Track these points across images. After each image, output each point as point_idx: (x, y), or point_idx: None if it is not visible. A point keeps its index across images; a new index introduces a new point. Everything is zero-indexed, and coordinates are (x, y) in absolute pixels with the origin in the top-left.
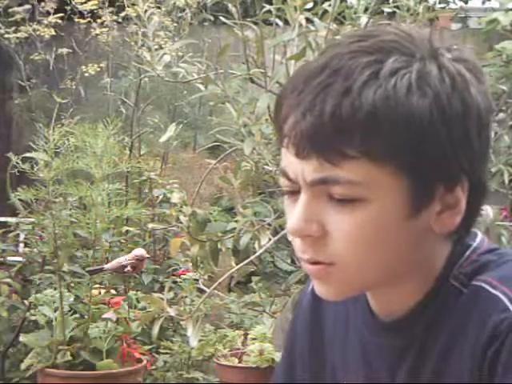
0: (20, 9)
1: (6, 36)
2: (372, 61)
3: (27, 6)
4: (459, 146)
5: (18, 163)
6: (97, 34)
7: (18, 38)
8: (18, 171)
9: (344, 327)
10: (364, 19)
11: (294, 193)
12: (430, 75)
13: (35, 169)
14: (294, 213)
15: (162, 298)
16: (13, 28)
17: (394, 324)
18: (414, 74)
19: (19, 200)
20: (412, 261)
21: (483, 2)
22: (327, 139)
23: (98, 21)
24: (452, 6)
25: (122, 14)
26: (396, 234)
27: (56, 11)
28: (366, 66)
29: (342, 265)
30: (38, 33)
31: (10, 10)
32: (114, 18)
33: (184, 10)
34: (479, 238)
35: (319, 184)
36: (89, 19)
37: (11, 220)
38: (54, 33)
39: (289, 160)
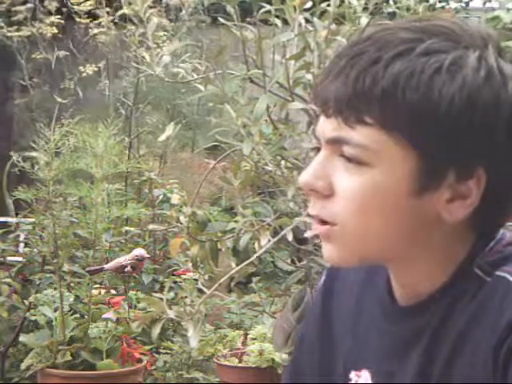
0: (22, 8)
1: (9, 35)
2: (412, 38)
3: (29, 5)
4: (478, 139)
5: (18, 162)
6: (95, 35)
7: (20, 36)
8: (19, 171)
9: (356, 320)
10: (364, 19)
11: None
12: (466, 63)
13: (35, 168)
14: (309, 167)
15: (162, 299)
16: (15, 27)
17: (411, 308)
18: (450, 58)
19: (20, 200)
20: (423, 243)
21: (484, 3)
22: (348, 102)
23: (95, 21)
24: (452, 5)
25: (119, 14)
26: (397, 207)
27: (56, 12)
28: (404, 42)
29: (342, 226)
30: (40, 31)
31: (13, 9)
32: (111, 18)
33: (181, 11)
34: (501, 230)
35: (334, 143)
36: (86, 20)
37: (11, 220)
38: (56, 31)
39: (320, 119)
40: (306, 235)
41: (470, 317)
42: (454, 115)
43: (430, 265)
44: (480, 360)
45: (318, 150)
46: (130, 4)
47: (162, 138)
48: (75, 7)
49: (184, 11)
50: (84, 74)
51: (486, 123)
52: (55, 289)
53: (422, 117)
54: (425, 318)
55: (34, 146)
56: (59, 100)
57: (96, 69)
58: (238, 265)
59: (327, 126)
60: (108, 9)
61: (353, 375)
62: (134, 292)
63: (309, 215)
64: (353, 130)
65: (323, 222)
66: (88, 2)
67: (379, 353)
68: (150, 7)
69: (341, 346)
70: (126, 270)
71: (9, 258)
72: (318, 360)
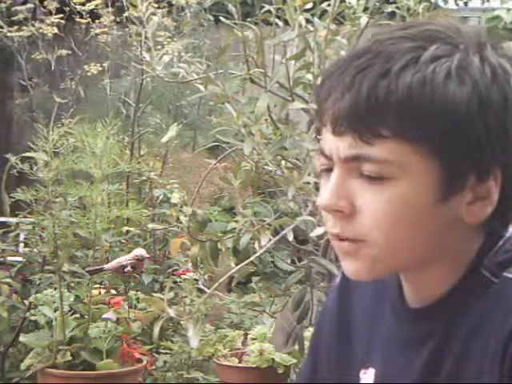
0: (22, 8)
1: (9, 35)
2: (414, 46)
3: (29, 5)
4: (495, 138)
5: (17, 163)
6: (96, 35)
7: (20, 36)
8: (18, 171)
9: (370, 319)
10: (364, 19)
11: (330, 171)
12: (471, 65)
13: (35, 169)
14: (326, 188)
15: (162, 299)
16: (15, 27)
17: (422, 310)
18: (455, 62)
19: (20, 200)
20: (442, 247)
21: (483, 3)
22: (362, 118)
23: (97, 21)
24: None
25: (124, 15)
26: (424, 216)
27: (56, 11)
28: (407, 51)
29: (369, 242)
30: (40, 31)
31: (13, 9)
32: (113, 18)
33: (184, 10)
34: (511, 229)
35: (352, 161)
36: (88, 19)
37: (11, 220)
38: (56, 31)
39: (326, 137)
40: (311, 235)
41: (478, 319)
42: (471, 117)
43: (444, 267)
44: (489, 362)
45: (326, 170)
46: (131, 4)
47: (165, 139)
48: (78, 7)
49: (187, 10)
50: (88, 74)
51: (498, 121)
52: (55, 289)
53: (440, 123)
54: (434, 321)
55: (32, 146)
56: (59, 100)
57: (100, 68)
58: (237, 265)
59: (341, 145)
60: (110, 9)
61: (361, 374)
62: (134, 292)
63: (309, 215)
64: (371, 146)
65: (344, 240)
66: (93, 2)
67: (387, 353)
68: (156, 7)
69: (357, 345)
70: (126, 270)
71: (9, 258)
72: (336, 360)
